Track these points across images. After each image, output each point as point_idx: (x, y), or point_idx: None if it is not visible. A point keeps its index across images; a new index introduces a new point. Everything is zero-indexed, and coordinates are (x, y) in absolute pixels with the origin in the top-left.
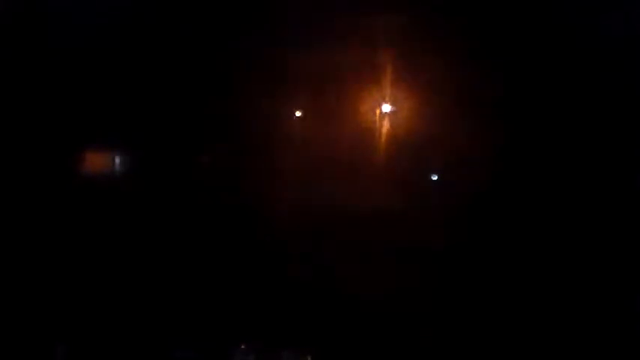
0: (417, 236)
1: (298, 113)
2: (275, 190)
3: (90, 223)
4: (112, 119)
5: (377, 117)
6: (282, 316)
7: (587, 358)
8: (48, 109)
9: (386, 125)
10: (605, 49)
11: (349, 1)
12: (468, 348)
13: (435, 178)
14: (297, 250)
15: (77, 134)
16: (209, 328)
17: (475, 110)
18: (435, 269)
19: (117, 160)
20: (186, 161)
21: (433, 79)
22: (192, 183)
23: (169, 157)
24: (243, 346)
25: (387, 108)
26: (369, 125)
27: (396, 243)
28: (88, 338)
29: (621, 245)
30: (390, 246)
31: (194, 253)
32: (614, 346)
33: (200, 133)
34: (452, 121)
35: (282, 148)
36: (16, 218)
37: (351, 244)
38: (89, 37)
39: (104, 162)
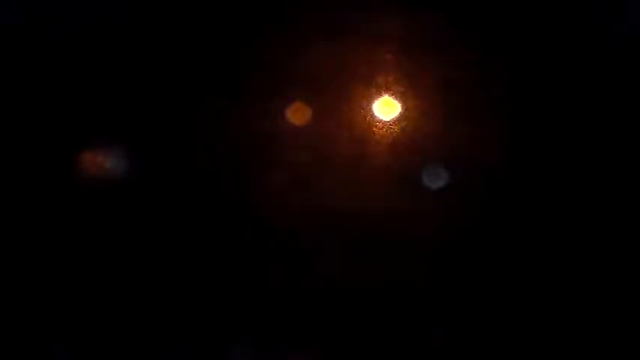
0: (418, 237)
1: (298, 113)
2: (273, 189)
3: (87, 222)
4: (110, 119)
5: (379, 117)
6: (282, 316)
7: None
8: (45, 109)
9: (388, 126)
10: (608, 49)
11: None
12: (470, 348)
13: (438, 179)
14: (297, 250)
15: (75, 134)
16: (207, 327)
17: (478, 110)
18: (438, 270)
19: (114, 159)
20: (184, 161)
21: (437, 78)
22: (189, 182)
23: (167, 156)
24: (242, 346)
25: (389, 108)
26: (371, 126)
27: (398, 244)
28: (84, 337)
29: (625, 249)
30: (392, 247)
31: (192, 252)
32: (615, 346)
33: (198, 133)
34: (455, 122)
35: (282, 148)
36: (15, 218)
37: (352, 245)
38: (86, 37)
39: (101, 162)
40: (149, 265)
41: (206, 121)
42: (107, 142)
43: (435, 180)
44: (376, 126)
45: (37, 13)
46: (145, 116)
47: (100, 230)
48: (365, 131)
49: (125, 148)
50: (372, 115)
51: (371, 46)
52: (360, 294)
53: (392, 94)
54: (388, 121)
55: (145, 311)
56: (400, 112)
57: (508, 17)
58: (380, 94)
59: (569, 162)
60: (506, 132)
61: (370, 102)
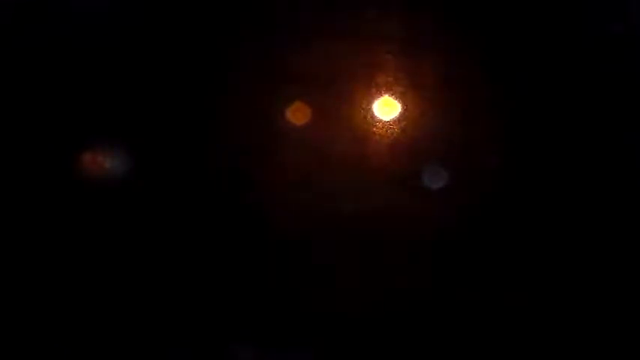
0: (418, 237)
1: (298, 113)
2: (273, 190)
3: (88, 222)
4: (111, 119)
5: (379, 117)
6: (282, 315)
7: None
8: (48, 109)
9: (388, 126)
10: (607, 49)
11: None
12: (469, 349)
13: (438, 179)
14: (297, 250)
15: (75, 134)
16: (208, 327)
17: (478, 110)
18: (437, 270)
19: (116, 160)
20: (184, 161)
21: (436, 78)
22: (189, 182)
23: (168, 156)
24: (241, 346)
25: (389, 108)
26: (371, 126)
27: (397, 244)
28: (85, 337)
29: (625, 249)
30: (391, 247)
31: (192, 252)
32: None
33: (198, 132)
34: (455, 122)
35: (282, 148)
36: (16, 218)
37: (352, 245)
38: (85, 37)
39: (102, 162)
40: (150, 265)
41: (206, 121)
42: (107, 142)
43: (435, 180)
44: (376, 126)
45: (38, 13)
46: (145, 116)
47: (100, 230)
48: (365, 131)
49: (125, 148)
50: (372, 115)
51: (371, 46)
52: (360, 294)
53: (392, 94)
54: (388, 121)
55: (145, 311)
56: (400, 112)
57: (508, 17)
58: (380, 94)
59: (570, 162)
60: (506, 132)
61: (370, 102)
